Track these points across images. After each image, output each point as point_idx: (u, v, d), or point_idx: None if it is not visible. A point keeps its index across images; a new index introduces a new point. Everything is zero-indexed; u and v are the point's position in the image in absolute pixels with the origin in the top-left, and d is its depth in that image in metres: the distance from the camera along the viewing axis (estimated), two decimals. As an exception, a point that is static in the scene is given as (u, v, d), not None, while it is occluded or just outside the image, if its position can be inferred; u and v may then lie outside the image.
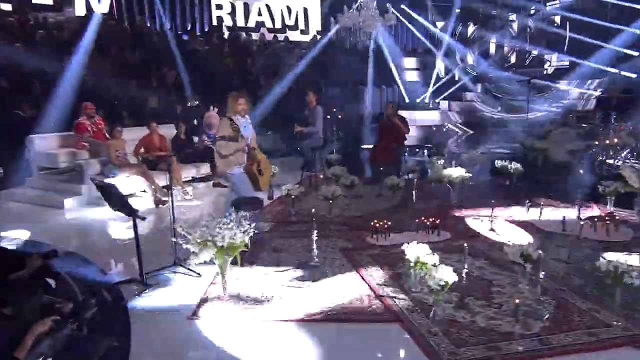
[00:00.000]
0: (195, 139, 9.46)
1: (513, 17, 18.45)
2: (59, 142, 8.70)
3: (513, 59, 19.01)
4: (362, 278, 4.69)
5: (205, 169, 8.99)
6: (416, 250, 4.26)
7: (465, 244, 4.13)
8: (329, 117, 9.89)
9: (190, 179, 8.80)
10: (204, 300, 4.27)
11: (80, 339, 3.40)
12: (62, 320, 3.31)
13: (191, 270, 4.87)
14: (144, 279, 4.64)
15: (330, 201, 6.25)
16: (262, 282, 4.66)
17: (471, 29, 19.57)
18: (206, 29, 17.21)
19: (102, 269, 5.05)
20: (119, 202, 4.45)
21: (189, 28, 16.96)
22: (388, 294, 4.31)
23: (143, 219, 4.45)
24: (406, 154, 8.73)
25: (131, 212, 4.40)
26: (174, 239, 4.15)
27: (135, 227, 4.56)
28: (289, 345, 3.57)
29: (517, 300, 3.44)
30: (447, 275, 3.60)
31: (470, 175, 7.25)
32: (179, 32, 16.53)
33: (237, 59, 15.22)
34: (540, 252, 4.15)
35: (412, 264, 4.25)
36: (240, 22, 17.59)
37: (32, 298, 3.33)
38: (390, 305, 4.11)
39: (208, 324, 3.91)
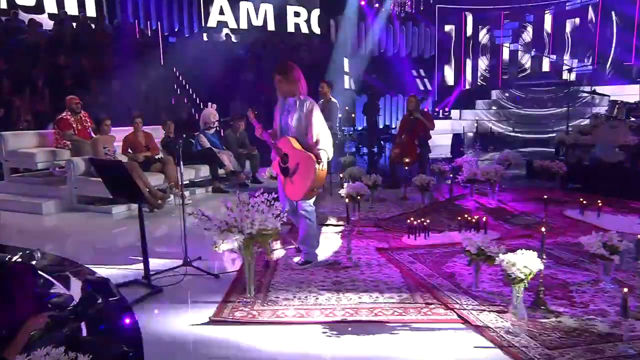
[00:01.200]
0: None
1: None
2: (36, 140, 8.24)
3: (528, 65, 18.97)
4: (410, 278, 4.27)
5: (204, 171, 8.53)
6: (478, 242, 3.85)
7: (544, 229, 3.72)
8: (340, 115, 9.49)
9: (188, 182, 8.35)
10: (225, 302, 3.82)
11: (82, 341, 2.94)
12: (60, 316, 2.86)
13: (206, 272, 4.44)
14: (150, 280, 4.18)
15: (359, 197, 5.86)
16: (292, 283, 4.22)
17: (484, 33, 19.55)
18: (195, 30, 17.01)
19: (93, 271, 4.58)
20: (123, 186, 3.97)
21: (176, 29, 16.77)
22: (445, 294, 3.89)
23: (150, 211, 3.99)
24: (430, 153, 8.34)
25: (138, 198, 3.94)
26: (199, 216, 3.67)
27: (140, 217, 4.10)
28: (335, 351, 3.12)
29: (625, 290, 3.02)
30: (531, 261, 3.19)
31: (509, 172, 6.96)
32: (166, 33, 16.35)
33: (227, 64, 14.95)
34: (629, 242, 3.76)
35: (475, 257, 3.84)
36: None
37: (22, 288, 2.87)
38: (452, 305, 3.69)
39: (232, 329, 3.46)
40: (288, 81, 4.45)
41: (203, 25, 17.03)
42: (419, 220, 5.42)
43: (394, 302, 3.78)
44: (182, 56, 14.82)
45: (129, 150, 7.88)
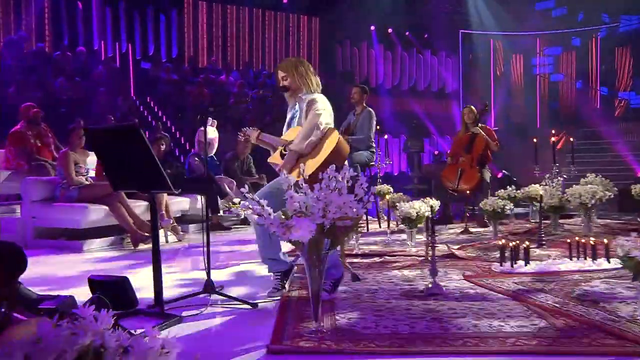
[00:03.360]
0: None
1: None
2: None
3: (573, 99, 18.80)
4: (537, 306, 3.59)
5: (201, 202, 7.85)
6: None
7: None
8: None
9: (180, 215, 7.64)
10: (280, 330, 3.10)
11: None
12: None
13: (239, 299, 3.72)
14: (163, 308, 3.42)
15: (427, 214, 5.22)
16: (365, 311, 3.52)
17: (517, 62, 19.49)
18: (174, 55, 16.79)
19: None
20: (134, 162, 3.22)
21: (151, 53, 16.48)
22: (603, 322, 3.19)
23: (178, 194, 3.34)
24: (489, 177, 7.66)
25: (156, 183, 3.22)
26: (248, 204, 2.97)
27: (153, 212, 3.39)
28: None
29: None
30: None
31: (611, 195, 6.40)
32: (138, 58, 16.07)
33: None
34: None
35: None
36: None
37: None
38: (627, 335, 2.97)
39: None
40: (293, 77, 4.13)
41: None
42: (513, 243, 4.75)
43: (530, 332, 3.07)
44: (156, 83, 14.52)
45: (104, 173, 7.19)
